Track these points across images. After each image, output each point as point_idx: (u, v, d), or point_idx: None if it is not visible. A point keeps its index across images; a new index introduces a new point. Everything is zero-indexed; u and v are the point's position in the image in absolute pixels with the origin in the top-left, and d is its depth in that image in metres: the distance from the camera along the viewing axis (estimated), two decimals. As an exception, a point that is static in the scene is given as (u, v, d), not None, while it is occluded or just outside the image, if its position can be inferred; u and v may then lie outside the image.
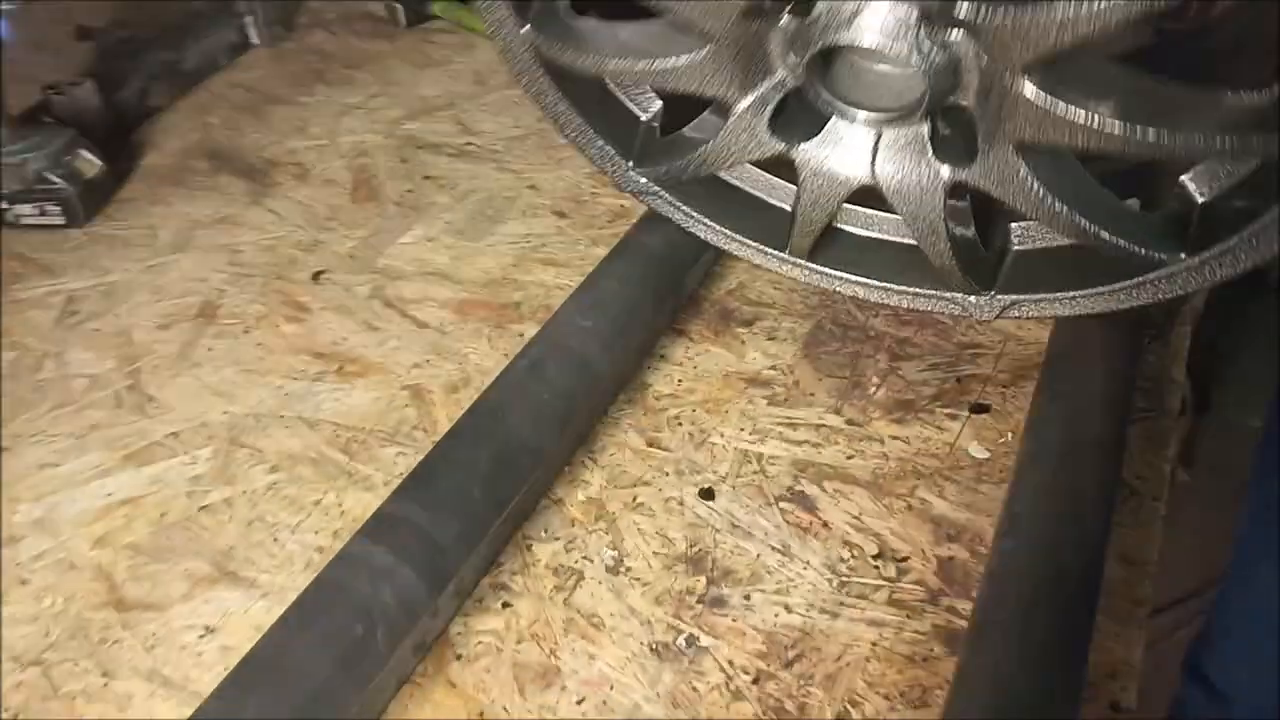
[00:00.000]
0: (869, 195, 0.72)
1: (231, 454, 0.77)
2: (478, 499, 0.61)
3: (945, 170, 0.65)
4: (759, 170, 0.78)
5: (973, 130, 0.62)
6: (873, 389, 0.80)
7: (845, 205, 0.74)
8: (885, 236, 0.75)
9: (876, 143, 0.67)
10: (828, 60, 0.65)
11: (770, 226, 0.77)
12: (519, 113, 1.18)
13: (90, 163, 1.04)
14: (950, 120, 0.65)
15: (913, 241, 0.73)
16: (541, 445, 0.66)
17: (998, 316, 0.70)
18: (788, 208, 0.76)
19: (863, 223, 0.76)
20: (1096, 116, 0.56)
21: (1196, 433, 2.26)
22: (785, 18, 0.62)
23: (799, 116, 0.68)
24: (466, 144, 1.13)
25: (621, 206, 1.00)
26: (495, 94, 1.23)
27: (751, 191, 0.79)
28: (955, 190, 0.66)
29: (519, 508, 0.66)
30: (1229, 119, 0.55)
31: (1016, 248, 0.70)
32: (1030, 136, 0.60)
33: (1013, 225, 0.71)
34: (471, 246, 0.98)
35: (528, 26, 0.70)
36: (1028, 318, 0.70)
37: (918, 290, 0.72)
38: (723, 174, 0.79)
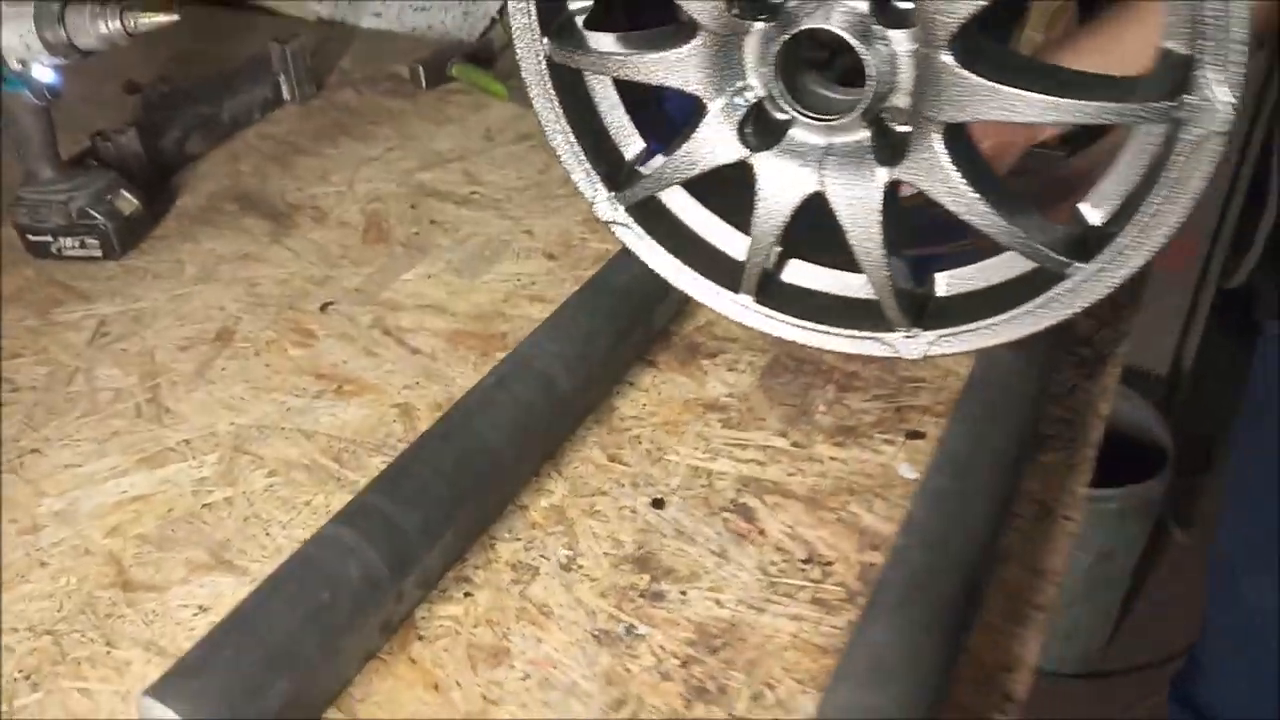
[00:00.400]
0: (813, 247, 0.81)
1: (235, 459, 0.85)
2: (440, 493, 0.69)
3: (882, 171, 0.73)
4: (719, 221, 0.87)
5: (906, 134, 0.71)
6: (819, 415, 0.87)
7: (790, 259, 0.83)
8: (823, 288, 0.83)
9: (826, 150, 0.75)
10: (791, 76, 0.74)
11: (726, 272, 0.85)
12: (521, 166, 1.28)
13: (129, 202, 1.15)
14: (887, 126, 0.73)
15: (848, 291, 0.81)
16: (503, 448, 0.74)
17: (925, 355, 0.77)
18: (741, 257, 0.84)
19: (803, 274, 0.84)
20: (1016, 88, 0.65)
21: (1195, 493, 2.29)
22: (758, 22, 0.72)
23: (761, 126, 0.77)
24: (472, 193, 1.23)
25: (606, 250, 1.09)
26: (502, 149, 1.33)
27: (710, 241, 0.87)
28: (891, 196, 0.74)
29: (481, 506, 0.74)
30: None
31: (941, 294, 0.78)
32: (955, 115, 0.67)
33: (938, 275, 0.79)
34: (467, 283, 1.07)
35: (545, 38, 0.79)
36: (952, 353, 0.77)
37: (851, 333, 0.80)
38: (687, 222, 0.88)
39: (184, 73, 1.53)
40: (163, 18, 1.00)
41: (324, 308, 1.04)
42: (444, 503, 0.69)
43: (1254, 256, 1.71)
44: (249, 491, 0.82)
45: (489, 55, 1.59)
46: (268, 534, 0.78)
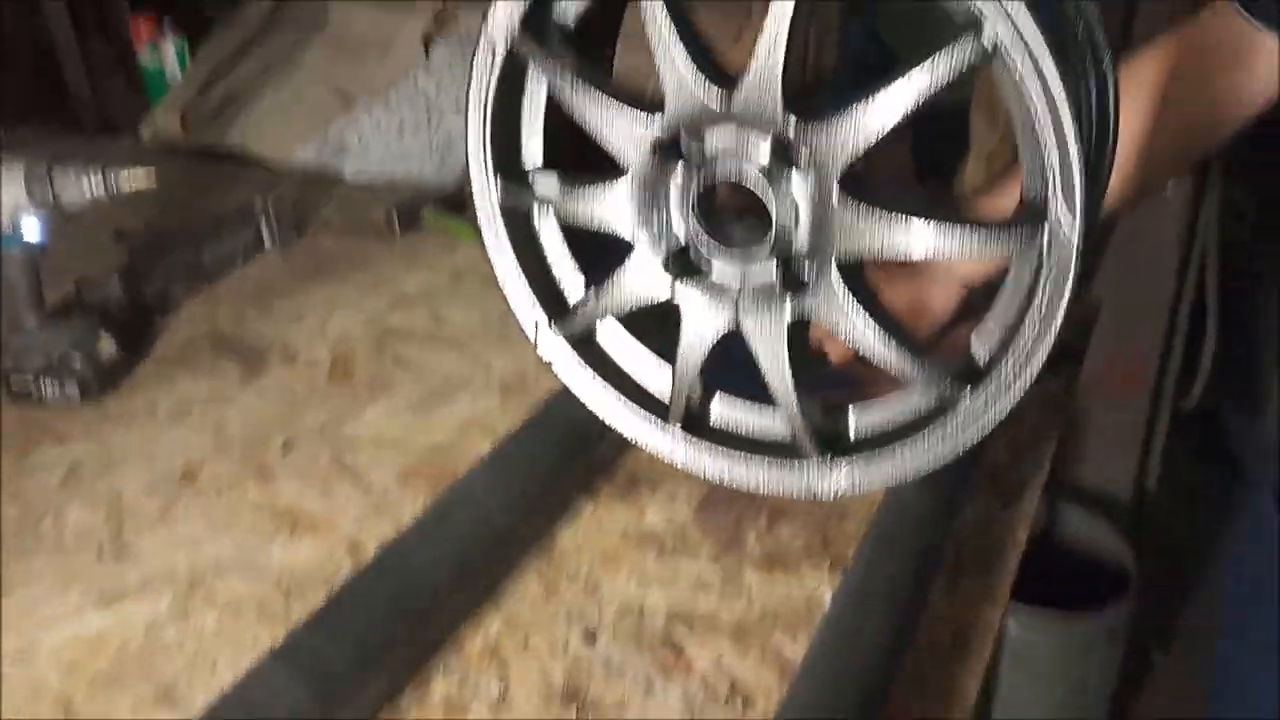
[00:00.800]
0: (735, 382, 0.86)
1: (189, 598, 0.89)
2: (373, 630, 0.72)
3: (789, 305, 0.78)
4: (653, 358, 0.93)
5: (808, 270, 0.77)
6: (750, 546, 0.90)
7: (715, 394, 0.89)
8: (745, 423, 0.88)
9: (742, 287, 0.81)
10: (711, 216, 0.81)
11: (656, 409, 0.90)
12: (485, 305, 1.35)
13: (108, 348, 1.21)
14: (792, 265, 0.78)
15: (767, 427, 0.86)
16: (438, 584, 0.77)
17: (838, 492, 0.82)
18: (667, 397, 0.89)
19: (727, 410, 0.89)
20: (904, 219, 0.71)
21: (1171, 614, 2.28)
22: (680, 165, 0.78)
23: (685, 264, 0.83)
24: (435, 332, 1.30)
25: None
26: (468, 289, 1.40)
27: (643, 377, 0.92)
28: (799, 331, 0.79)
29: (415, 643, 0.77)
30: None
31: (854, 430, 0.83)
32: (847, 249, 0.73)
33: (851, 410, 0.84)
34: (424, 420, 1.12)
35: (498, 187, 0.86)
36: (863, 489, 0.82)
37: (770, 471, 0.84)
38: (623, 359, 0.94)
39: (173, 220, 1.61)
40: (144, 178, 1.08)
41: (286, 447, 1.09)
42: (376, 640, 0.72)
43: (1201, 381, 1.77)
44: (200, 630, 0.85)
45: (462, 201, 1.68)
46: (214, 672, 0.81)
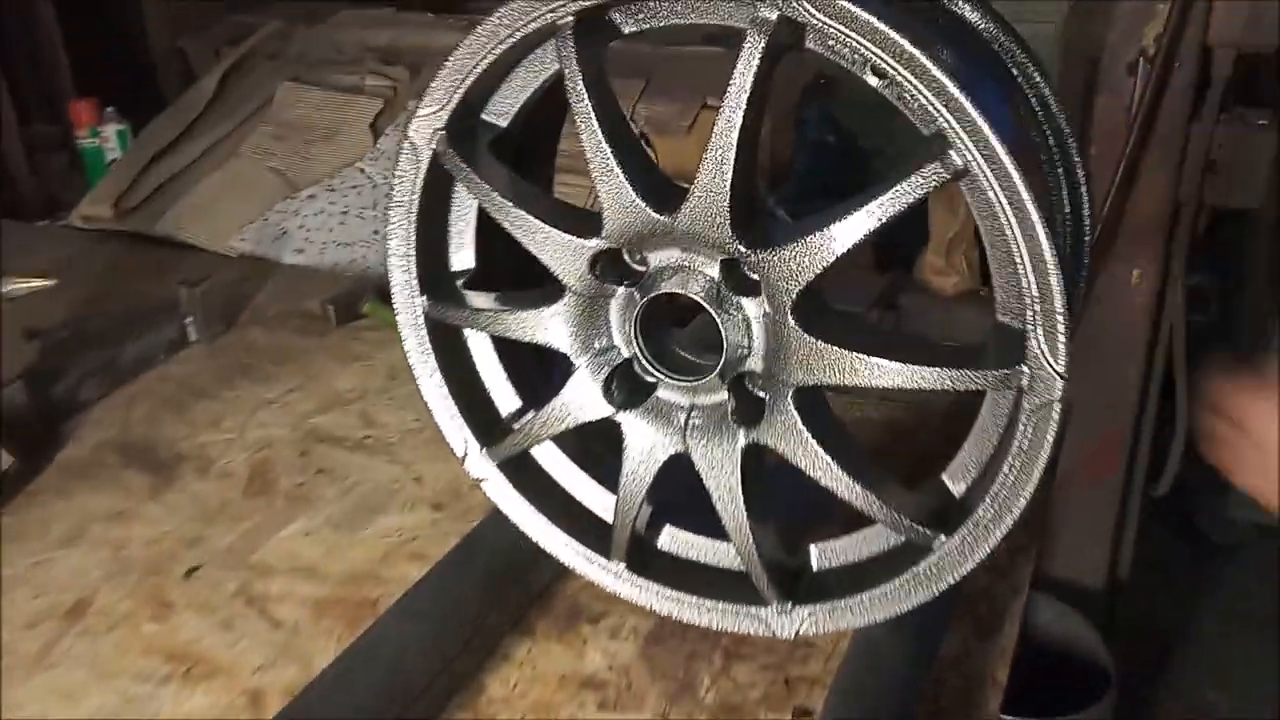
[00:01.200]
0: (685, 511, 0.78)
1: (60, 762, 0.77)
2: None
3: (741, 434, 0.71)
4: (591, 481, 0.84)
5: (763, 396, 0.69)
6: (703, 692, 0.81)
7: (664, 524, 0.80)
8: (696, 555, 0.79)
9: (689, 411, 0.73)
10: (654, 337, 0.73)
11: (598, 535, 0.81)
12: (419, 407, 1.25)
13: (3, 459, 1.10)
14: (745, 389, 0.71)
15: (722, 560, 0.78)
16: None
17: (797, 632, 0.73)
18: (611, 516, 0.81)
19: (678, 545, 0.80)
20: (860, 352, 0.63)
21: (1152, 705, 2.19)
22: (620, 286, 0.71)
23: (627, 385, 0.76)
24: (365, 437, 1.20)
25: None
26: (403, 389, 1.31)
27: (583, 501, 0.84)
28: (753, 460, 0.71)
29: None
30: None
31: (815, 566, 0.74)
32: (804, 378, 0.66)
33: (813, 546, 0.75)
34: (346, 540, 1.02)
35: (424, 295, 0.78)
36: (825, 631, 0.73)
37: (724, 607, 0.76)
38: (560, 481, 0.85)
39: (94, 312, 1.51)
40: (37, 283, 0.99)
41: (189, 574, 0.98)
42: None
43: (1171, 472, 1.71)
44: (67, 803, 0.74)
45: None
46: None
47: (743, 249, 0.64)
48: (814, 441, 0.68)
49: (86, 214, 1.92)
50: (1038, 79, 0.69)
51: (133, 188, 1.96)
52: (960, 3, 0.69)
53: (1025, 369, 0.59)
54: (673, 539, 0.82)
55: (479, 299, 0.82)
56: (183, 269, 1.66)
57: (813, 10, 0.56)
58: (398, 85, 2.07)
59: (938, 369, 0.62)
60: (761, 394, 0.71)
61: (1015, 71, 0.68)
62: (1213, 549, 2.56)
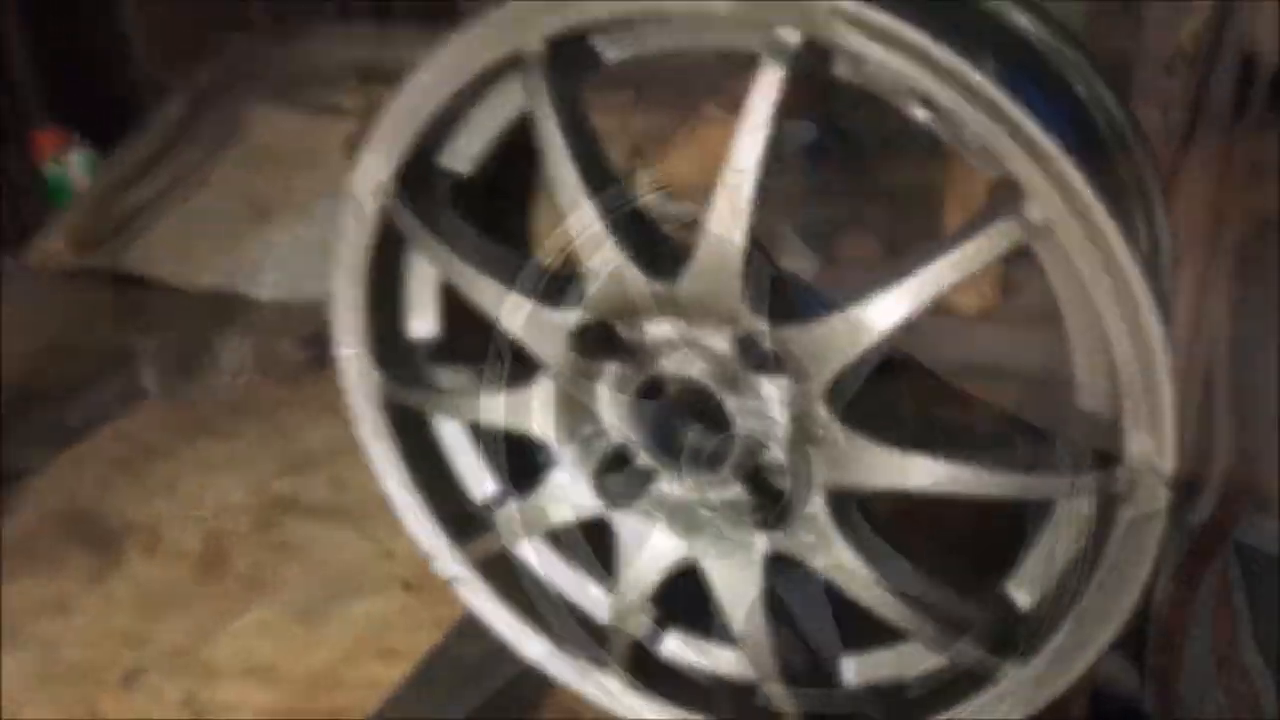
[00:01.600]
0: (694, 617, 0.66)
1: None
2: None
3: (761, 540, 0.58)
4: (584, 580, 0.72)
5: (786, 494, 0.57)
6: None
7: (669, 630, 0.68)
8: (709, 667, 0.67)
9: (696, 509, 0.61)
10: (652, 421, 0.61)
11: (590, 643, 0.69)
12: (396, 466, 1.13)
13: (-75, 543, 0.99)
14: (765, 483, 0.59)
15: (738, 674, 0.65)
16: None
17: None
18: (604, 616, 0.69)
19: (685, 651, 0.68)
20: (908, 451, 0.51)
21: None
22: (610, 363, 0.59)
23: (621, 476, 0.63)
24: (333, 504, 1.08)
25: (477, 582, 0.93)
26: (378, 444, 1.19)
27: (572, 602, 0.72)
28: (775, 570, 0.59)
29: None
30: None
31: (849, 683, 0.62)
32: (838, 478, 0.54)
33: (845, 660, 0.63)
34: (307, 634, 0.90)
35: (379, 372, 0.67)
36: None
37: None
38: (545, 579, 0.73)
39: (42, 365, 1.39)
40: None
41: (128, 680, 0.86)
42: None
43: (1212, 495, 1.59)
44: None
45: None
46: None
47: (761, 325, 0.52)
48: (849, 552, 0.55)
49: (45, 250, 1.79)
50: (1107, 100, 0.57)
51: (96, 222, 1.84)
52: (1010, 9, 0.57)
53: (1123, 474, 0.47)
54: (678, 646, 0.69)
55: (443, 375, 0.70)
56: (146, 310, 1.54)
57: (851, 32, 0.43)
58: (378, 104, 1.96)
59: (1014, 475, 0.50)
60: (785, 491, 0.58)
61: (1083, 89, 0.56)
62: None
